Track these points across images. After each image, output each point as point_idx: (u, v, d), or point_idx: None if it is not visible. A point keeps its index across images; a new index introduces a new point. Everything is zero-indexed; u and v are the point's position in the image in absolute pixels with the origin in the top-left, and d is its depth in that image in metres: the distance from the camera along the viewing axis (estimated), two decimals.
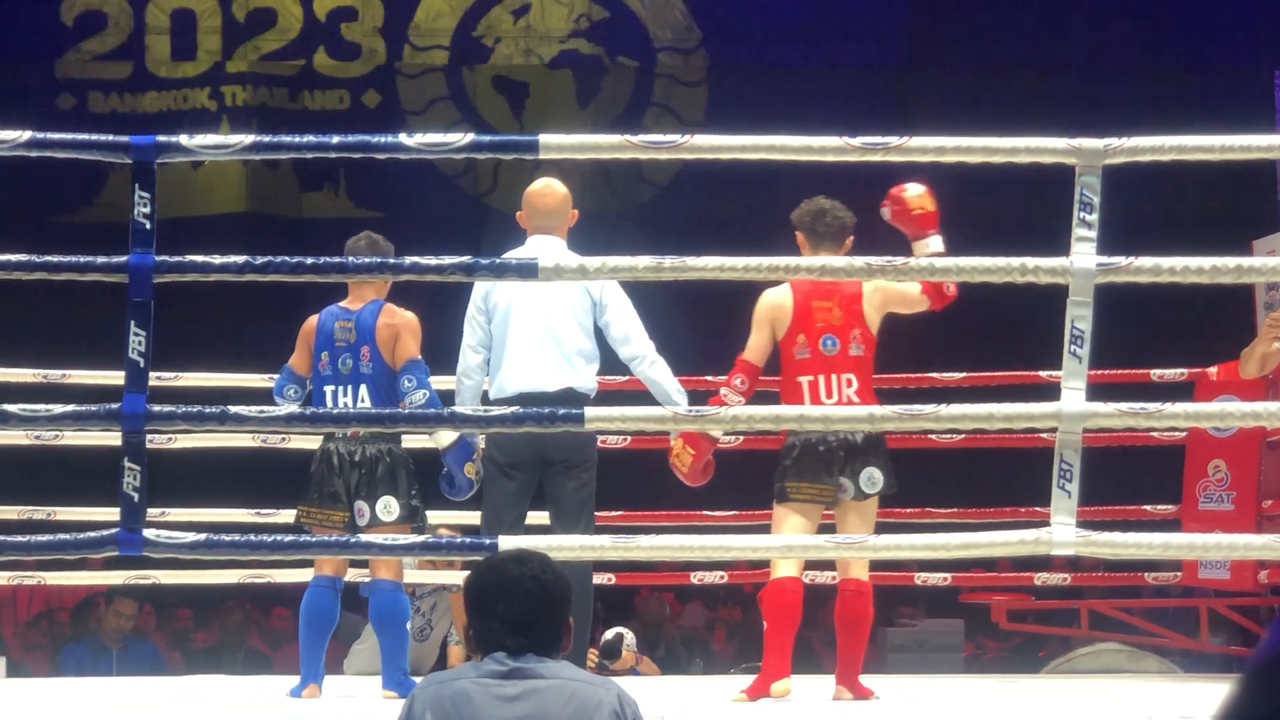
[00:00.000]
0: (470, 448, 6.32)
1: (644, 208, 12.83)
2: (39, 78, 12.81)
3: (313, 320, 6.54)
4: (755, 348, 6.26)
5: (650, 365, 6.31)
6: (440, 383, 6.53)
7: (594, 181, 12.62)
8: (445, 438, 6.30)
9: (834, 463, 6.11)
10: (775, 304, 6.25)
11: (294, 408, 6.29)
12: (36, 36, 12.81)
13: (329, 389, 6.42)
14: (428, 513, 6.59)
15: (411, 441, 6.66)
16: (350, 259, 5.53)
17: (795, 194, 6.26)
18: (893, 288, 6.18)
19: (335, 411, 6.31)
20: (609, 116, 13.03)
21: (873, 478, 6.12)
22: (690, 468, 6.22)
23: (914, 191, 6.15)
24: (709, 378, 7.42)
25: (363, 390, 6.37)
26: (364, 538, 5.86)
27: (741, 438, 7.54)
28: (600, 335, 6.39)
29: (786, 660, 6.17)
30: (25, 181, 11.20)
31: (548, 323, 6.32)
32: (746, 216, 11.43)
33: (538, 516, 6.49)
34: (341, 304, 6.53)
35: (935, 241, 6.12)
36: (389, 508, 6.32)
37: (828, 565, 7.58)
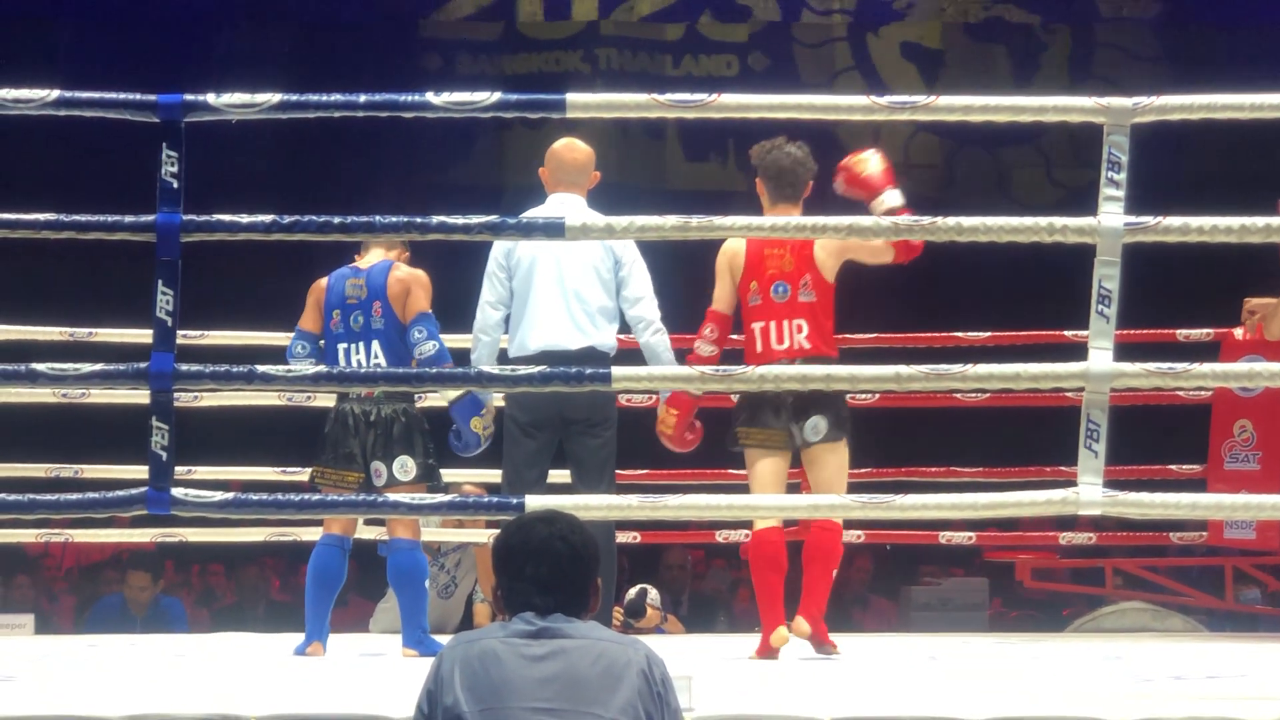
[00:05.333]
0: (479, 403, 6.34)
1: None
2: (403, 38, 12.33)
3: (322, 281, 6.58)
4: (721, 298, 6.36)
5: (655, 333, 6.37)
6: (452, 341, 6.53)
7: (1058, 144, 12.05)
8: (451, 391, 6.32)
9: (781, 409, 6.18)
10: (731, 253, 6.32)
11: (322, 367, 6.30)
12: None
13: (341, 346, 6.45)
14: (449, 471, 6.61)
15: (424, 401, 6.68)
16: (376, 218, 5.51)
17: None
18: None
19: (363, 371, 6.32)
20: (1041, 91, 12.16)
21: (817, 426, 6.19)
22: (675, 429, 6.26)
23: (857, 156, 6.16)
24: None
25: (375, 346, 6.41)
26: (391, 497, 5.86)
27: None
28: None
29: (780, 609, 6.19)
30: (409, 141, 11.02)
31: (571, 281, 6.32)
32: (1211, 176, 11.06)
33: (557, 475, 6.51)
34: (351, 264, 6.56)
35: (891, 196, 6.10)
36: (406, 467, 6.35)
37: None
